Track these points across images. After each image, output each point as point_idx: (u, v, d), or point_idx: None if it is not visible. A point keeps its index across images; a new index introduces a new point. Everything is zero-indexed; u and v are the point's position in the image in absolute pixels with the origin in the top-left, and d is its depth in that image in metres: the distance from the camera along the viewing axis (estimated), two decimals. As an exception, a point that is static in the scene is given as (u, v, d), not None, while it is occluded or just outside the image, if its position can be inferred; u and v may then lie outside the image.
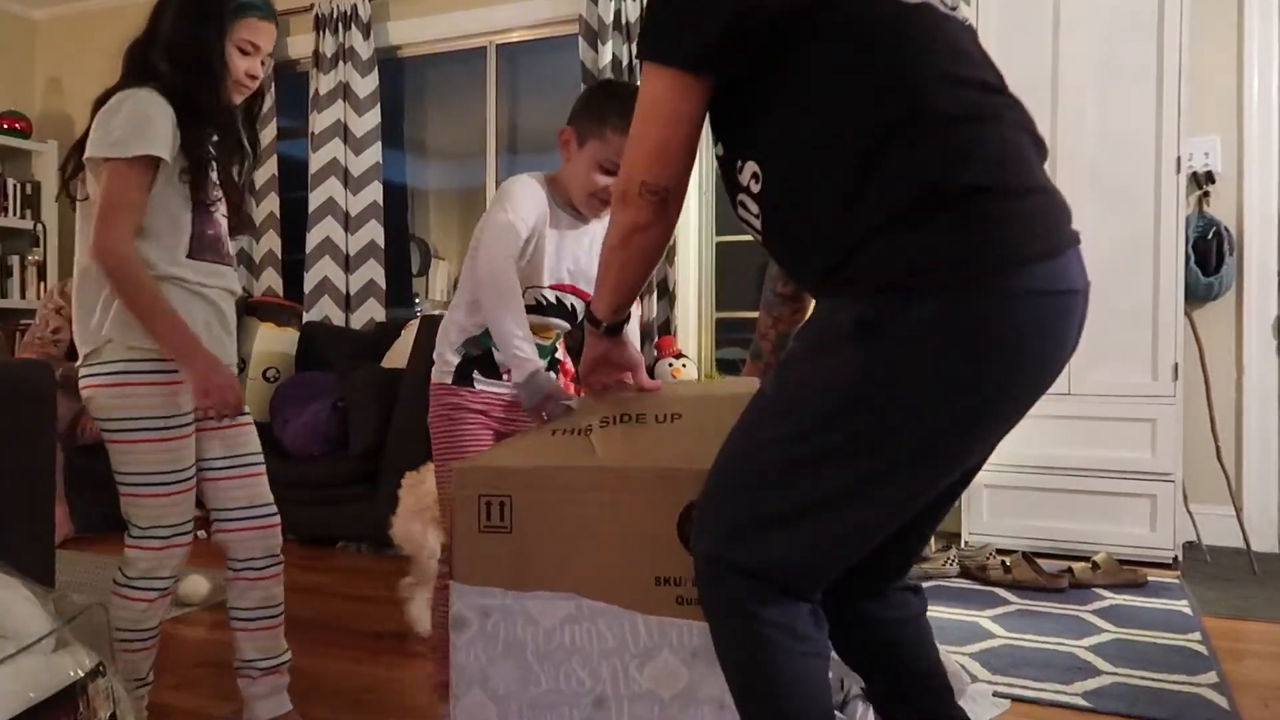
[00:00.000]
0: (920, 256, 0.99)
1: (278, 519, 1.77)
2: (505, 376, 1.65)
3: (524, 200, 1.58)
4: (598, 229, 1.66)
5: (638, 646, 1.23)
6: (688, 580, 1.22)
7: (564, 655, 1.24)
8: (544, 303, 1.66)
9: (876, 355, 1.01)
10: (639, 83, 1.12)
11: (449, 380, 1.65)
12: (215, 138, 1.66)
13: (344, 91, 4.40)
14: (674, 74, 1.07)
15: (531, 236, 1.59)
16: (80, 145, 1.58)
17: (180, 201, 1.60)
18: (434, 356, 1.69)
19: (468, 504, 1.26)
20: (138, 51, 1.62)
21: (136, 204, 1.53)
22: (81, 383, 1.61)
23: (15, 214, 4.95)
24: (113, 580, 1.64)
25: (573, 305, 1.70)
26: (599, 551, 1.25)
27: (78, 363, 1.63)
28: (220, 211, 1.69)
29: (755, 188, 1.13)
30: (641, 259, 1.20)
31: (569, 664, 1.24)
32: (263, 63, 1.67)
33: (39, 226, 5.00)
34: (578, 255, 1.67)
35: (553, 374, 1.74)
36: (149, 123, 1.51)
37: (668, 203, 1.14)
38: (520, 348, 1.48)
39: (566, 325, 1.72)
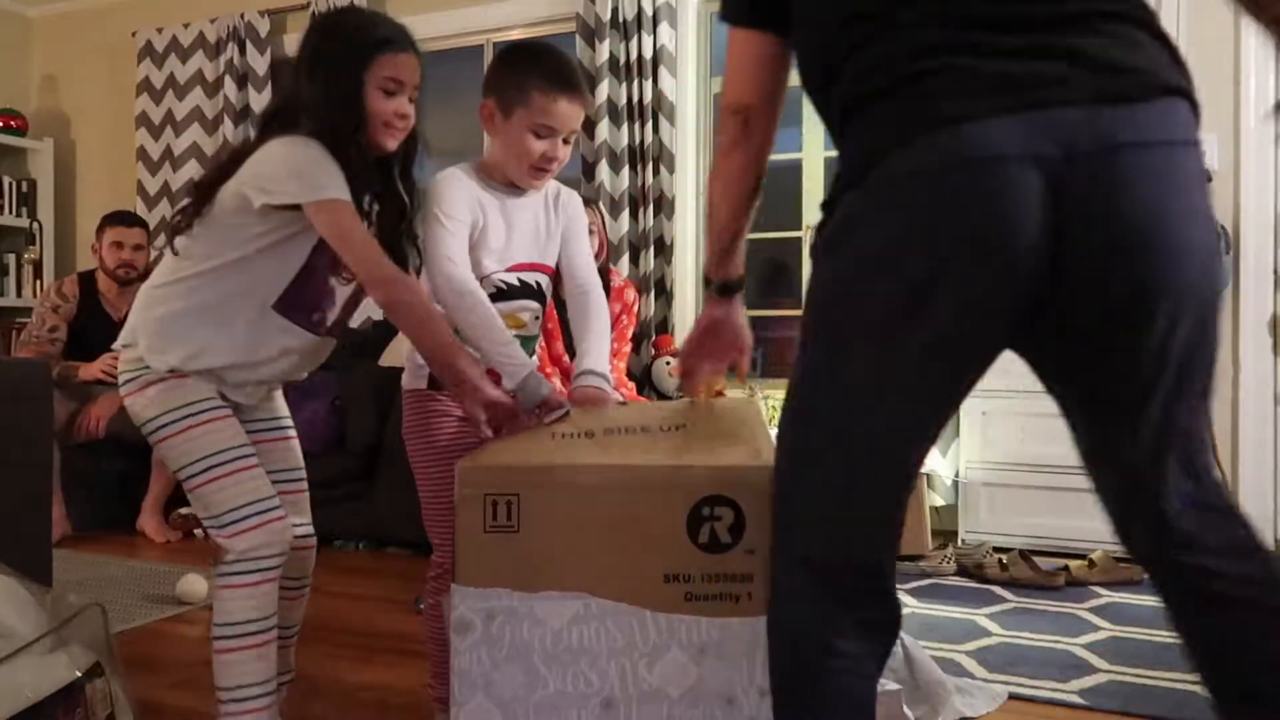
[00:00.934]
0: (842, 172, 1.05)
1: (314, 540, 1.71)
2: None
3: (451, 196, 1.52)
4: (538, 199, 1.62)
5: (647, 645, 1.23)
6: (697, 577, 1.23)
7: (572, 657, 1.23)
8: (505, 287, 1.59)
9: (817, 275, 1.07)
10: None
11: (423, 385, 1.58)
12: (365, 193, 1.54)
13: (341, 89, 4.39)
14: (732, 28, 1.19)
15: (472, 229, 1.53)
16: (207, 183, 1.54)
17: (296, 253, 1.53)
18: (404, 361, 1.62)
19: (472, 504, 1.23)
20: (273, 112, 1.56)
21: (360, 228, 1.46)
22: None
23: (11, 212, 4.94)
24: (215, 576, 1.52)
25: (538, 283, 1.63)
26: (609, 550, 1.24)
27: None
28: (337, 278, 1.59)
29: None
30: (729, 186, 1.24)
31: (577, 665, 1.23)
32: (411, 99, 1.52)
33: (35, 224, 4.99)
34: (535, 229, 1.61)
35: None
36: (327, 167, 1.44)
37: (750, 123, 1.19)
38: (504, 353, 1.44)
39: (537, 305, 1.64)
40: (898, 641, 1.76)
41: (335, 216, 1.43)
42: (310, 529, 1.70)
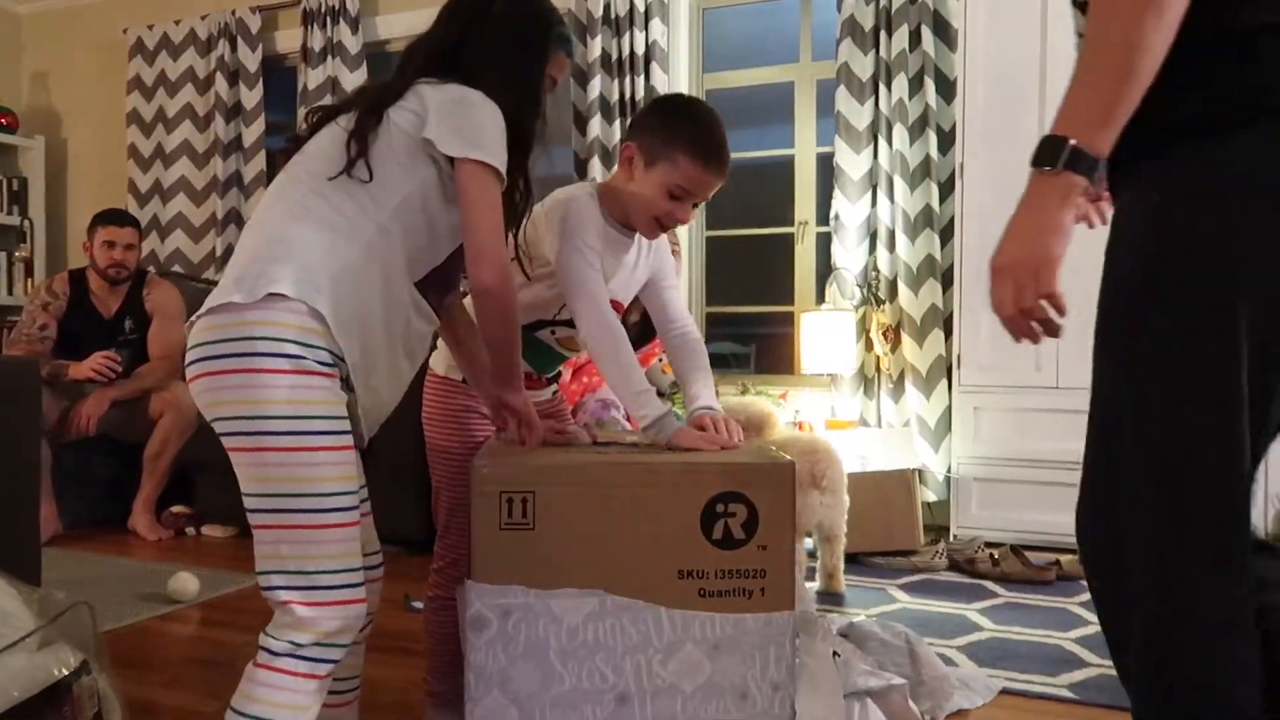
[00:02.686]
0: None
1: (382, 570, 1.39)
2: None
3: (590, 227, 1.49)
4: (633, 243, 1.60)
5: (661, 641, 1.25)
6: (710, 573, 1.26)
7: (587, 653, 1.25)
8: None
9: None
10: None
11: (458, 377, 1.56)
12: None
13: (332, 86, 4.38)
14: None
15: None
16: (374, 105, 1.26)
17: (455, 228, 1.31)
18: (437, 342, 1.57)
19: (488, 501, 1.25)
20: (445, 52, 1.34)
21: (500, 207, 1.30)
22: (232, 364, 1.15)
23: (2, 210, 4.92)
24: (262, 651, 1.15)
25: None
26: (623, 546, 1.26)
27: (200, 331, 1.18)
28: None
29: None
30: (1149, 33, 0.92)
31: (592, 661, 1.24)
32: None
33: (26, 222, 4.96)
34: (620, 271, 1.59)
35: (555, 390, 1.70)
36: (503, 138, 1.29)
37: None
38: (640, 398, 1.42)
39: None
40: (902, 637, 1.77)
41: (490, 183, 1.26)
42: (380, 557, 1.40)
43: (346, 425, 1.19)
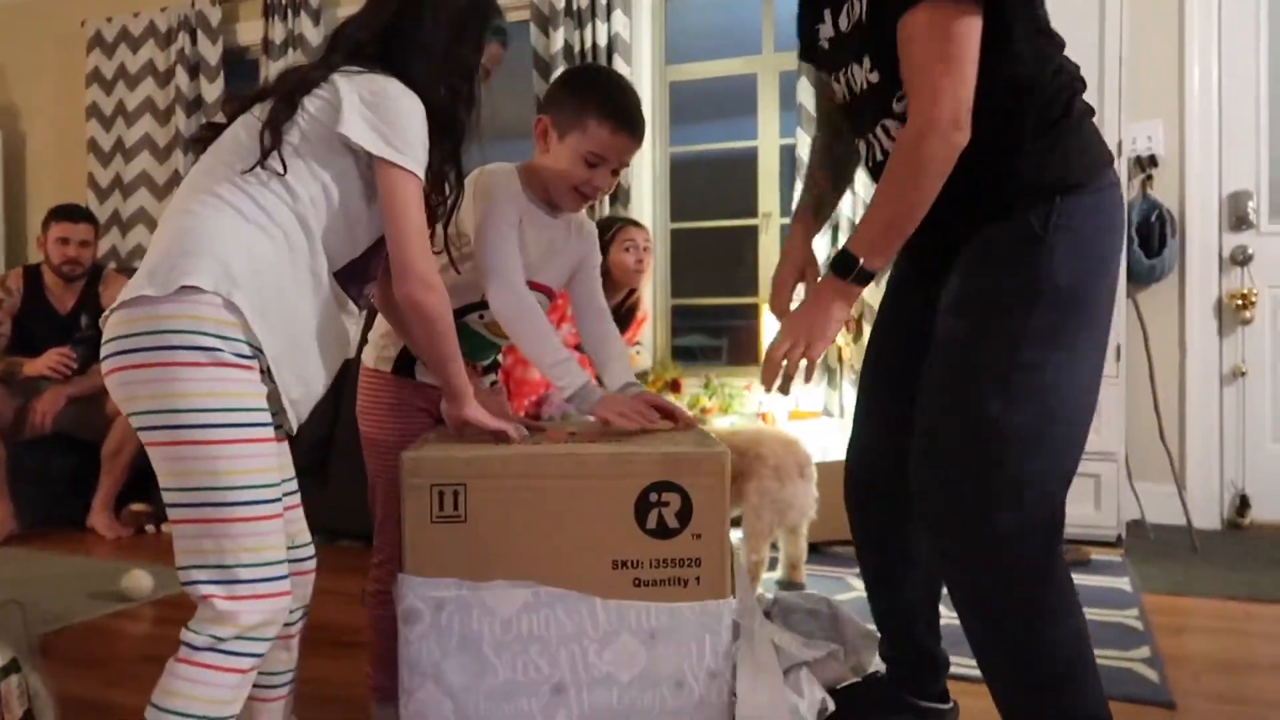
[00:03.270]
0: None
1: (314, 562, 1.40)
2: None
3: (508, 203, 1.49)
4: (559, 225, 1.59)
5: (596, 631, 1.25)
6: (645, 562, 1.25)
7: (522, 645, 1.24)
8: None
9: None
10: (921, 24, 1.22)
11: (387, 369, 1.56)
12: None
13: (294, 79, 4.35)
14: (970, 12, 1.22)
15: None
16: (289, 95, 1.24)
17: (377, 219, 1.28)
18: (369, 336, 1.57)
19: (419, 494, 1.24)
20: (373, 38, 1.31)
21: (424, 215, 1.28)
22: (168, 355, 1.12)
23: (-43, 206, 4.85)
24: (184, 646, 1.15)
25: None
26: (556, 537, 1.25)
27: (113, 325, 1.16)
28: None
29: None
30: (935, 190, 1.26)
31: (527, 653, 1.24)
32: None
33: (-18, 219, 4.90)
34: (551, 250, 1.58)
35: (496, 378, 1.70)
36: (423, 134, 1.26)
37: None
38: (560, 368, 1.42)
39: None
40: (823, 604, 1.81)
41: (414, 190, 1.24)
42: (312, 549, 1.40)
43: (267, 417, 1.17)
